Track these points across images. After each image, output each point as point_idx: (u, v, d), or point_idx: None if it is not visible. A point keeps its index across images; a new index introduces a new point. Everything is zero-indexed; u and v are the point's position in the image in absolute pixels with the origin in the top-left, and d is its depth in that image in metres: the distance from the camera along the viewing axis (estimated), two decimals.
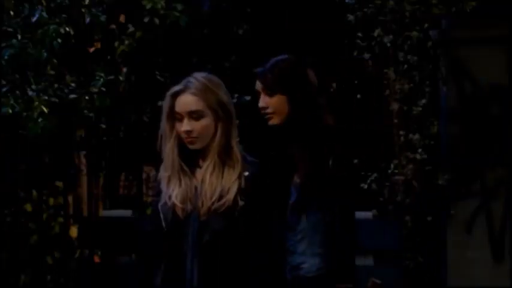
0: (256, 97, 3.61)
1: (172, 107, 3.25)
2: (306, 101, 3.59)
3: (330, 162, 3.51)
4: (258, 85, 3.60)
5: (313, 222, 3.54)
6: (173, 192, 3.24)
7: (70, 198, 7.40)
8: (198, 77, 3.28)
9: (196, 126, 3.22)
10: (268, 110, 3.58)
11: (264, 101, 3.58)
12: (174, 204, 3.22)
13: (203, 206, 3.20)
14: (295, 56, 3.67)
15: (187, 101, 3.23)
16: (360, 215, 5.46)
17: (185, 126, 3.22)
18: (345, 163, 3.60)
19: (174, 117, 3.25)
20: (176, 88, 3.26)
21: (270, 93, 3.57)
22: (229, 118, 3.25)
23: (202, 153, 3.26)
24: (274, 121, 3.58)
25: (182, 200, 3.22)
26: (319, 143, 3.54)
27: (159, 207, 3.26)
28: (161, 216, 3.25)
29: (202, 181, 3.23)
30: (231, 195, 3.20)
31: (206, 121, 3.23)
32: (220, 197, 3.20)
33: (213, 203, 3.20)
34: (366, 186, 6.21)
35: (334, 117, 3.66)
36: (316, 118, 3.58)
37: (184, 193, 3.22)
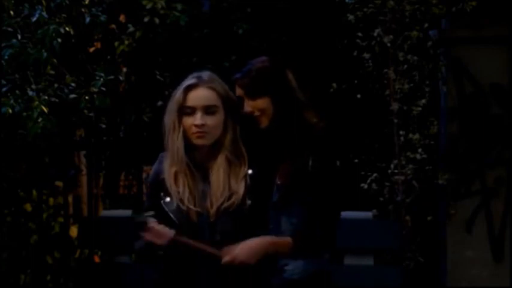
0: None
1: (184, 101, 3.21)
2: (286, 101, 3.58)
3: (310, 163, 3.49)
4: (239, 91, 3.59)
5: (295, 224, 3.53)
6: (184, 195, 3.20)
7: (70, 198, 7.41)
8: (209, 74, 3.26)
9: (209, 120, 3.19)
10: (256, 114, 3.57)
11: (249, 105, 3.56)
12: (188, 208, 3.20)
13: (212, 207, 3.19)
14: (272, 56, 3.67)
15: (203, 95, 3.20)
16: (360, 215, 5.45)
17: (198, 120, 3.17)
18: (330, 162, 3.58)
19: (184, 111, 3.22)
20: (189, 82, 3.22)
21: (253, 97, 3.56)
22: (237, 115, 3.24)
23: (210, 151, 3.23)
24: (263, 124, 3.58)
25: (194, 203, 3.20)
26: (299, 143, 3.53)
27: (170, 211, 3.22)
28: (175, 220, 3.21)
29: (212, 181, 3.20)
30: (239, 195, 3.19)
31: (219, 116, 3.21)
32: (229, 197, 3.19)
33: (222, 203, 3.18)
34: (366, 186, 6.20)
35: (317, 114, 3.64)
36: (297, 117, 3.57)
37: (193, 195, 3.20)
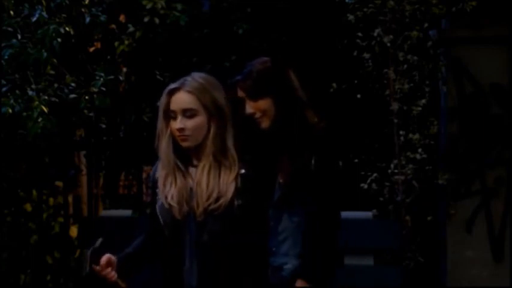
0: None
1: (168, 105, 3.26)
2: (288, 101, 3.57)
3: (313, 162, 3.49)
4: (241, 93, 3.59)
5: (297, 222, 3.53)
6: (169, 192, 3.24)
7: (70, 198, 7.41)
8: (195, 77, 3.30)
9: (188, 124, 3.23)
10: (257, 115, 3.57)
11: (250, 106, 3.57)
12: (170, 206, 3.23)
13: (199, 207, 3.21)
14: (273, 57, 3.67)
15: (181, 99, 3.24)
16: (360, 215, 5.46)
17: (178, 124, 3.23)
18: (332, 162, 3.58)
19: (169, 115, 3.26)
20: (172, 86, 3.29)
21: (255, 99, 3.57)
22: (224, 119, 3.25)
23: (196, 153, 3.27)
24: (264, 125, 3.58)
25: (178, 201, 3.23)
26: (300, 142, 3.52)
27: (157, 208, 3.27)
28: (160, 218, 3.25)
29: (198, 182, 3.23)
30: (228, 197, 3.21)
31: (199, 119, 3.24)
32: (217, 199, 3.20)
33: (209, 205, 3.20)
34: (366, 186, 6.20)
35: (318, 114, 3.64)
36: (298, 117, 3.57)
37: (180, 194, 3.23)
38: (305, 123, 3.57)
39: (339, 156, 3.67)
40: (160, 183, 3.28)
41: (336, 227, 3.54)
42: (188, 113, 3.23)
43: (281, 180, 3.52)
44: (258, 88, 3.55)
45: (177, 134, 3.23)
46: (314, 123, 3.59)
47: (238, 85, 3.59)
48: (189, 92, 3.24)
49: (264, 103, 3.55)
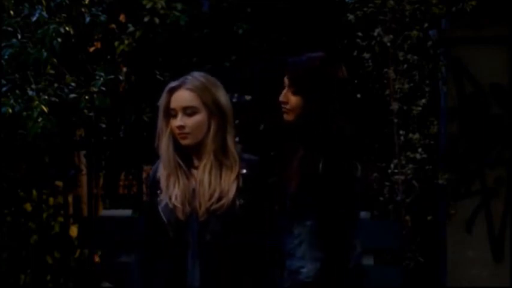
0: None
1: (168, 103, 3.26)
2: (325, 108, 3.53)
3: (321, 166, 3.46)
4: (286, 79, 3.54)
5: (309, 226, 3.51)
6: (173, 193, 3.24)
7: (70, 198, 7.40)
8: (196, 75, 3.30)
9: (188, 122, 3.22)
10: (287, 107, 3.52)
11: (286, 96, 3.51)
12: (175, 206, 3.23)
13: (201, 207, 3.21)
14: (327, 55, 3.62)
15: (182, 97, 3.24)
16: (360, 215, 5.44)
17: (178, 121, 3.22)
18: (342, 165, 3.55)
19: (170, 113, 3.26)
20: (172, 84, 3.29)
21: (295, 93, 3.52)
22: (224, 117, 3.25)
23: (197, 152, 3.26)
24: (288, 117, 3.54)
25: (181, 201, 3.22)
26: (314, 144, 3.49)
27: (160, 208, 3.26)
28: (163, 218, 3.24)
29: (200, 181, 3.22)
30: (230, 196, 3.20)
31: (199, 117, 3.23)
32: (219, 199, 3.20)
33: (211, 205, 3.20)
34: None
35: (348, 120, 3.62)
36: (327, 125, 3.53)
37: (183, 194, 3.23)
38: (331, 130, 3.51)
39: (350, 159, 3.59)
40: (163, 184, 3.27)
41: (347, 229, 3.51)
42: (188, 111, 3.23)
43: (291, 190, 3.49)
44: (303, 85, 3.49)
45: (177, 131, 3.22)
46: (339, 129, 3.54)
47: (287, 70, 3.53)
48: (189, 89, 3.23)
49: (299, 99, 3.50)
